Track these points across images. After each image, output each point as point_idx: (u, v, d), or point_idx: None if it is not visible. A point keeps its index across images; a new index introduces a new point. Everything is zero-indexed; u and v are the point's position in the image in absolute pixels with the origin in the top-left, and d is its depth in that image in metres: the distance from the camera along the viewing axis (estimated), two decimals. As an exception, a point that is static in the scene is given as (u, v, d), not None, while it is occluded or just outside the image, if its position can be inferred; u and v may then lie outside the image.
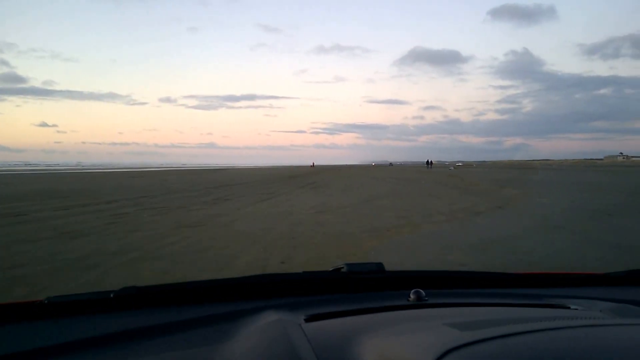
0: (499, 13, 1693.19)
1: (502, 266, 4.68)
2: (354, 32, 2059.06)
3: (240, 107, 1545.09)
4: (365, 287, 1.15)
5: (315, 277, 1.20)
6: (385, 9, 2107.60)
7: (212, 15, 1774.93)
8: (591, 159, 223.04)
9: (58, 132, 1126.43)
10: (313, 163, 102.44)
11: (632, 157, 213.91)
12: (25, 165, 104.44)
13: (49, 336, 0.88)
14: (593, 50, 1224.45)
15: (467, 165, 70.78)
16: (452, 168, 55.56)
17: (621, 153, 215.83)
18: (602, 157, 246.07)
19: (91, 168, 73.36)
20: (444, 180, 23.98)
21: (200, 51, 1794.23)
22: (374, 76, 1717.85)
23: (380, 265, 1.15)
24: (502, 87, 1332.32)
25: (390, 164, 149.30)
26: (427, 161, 65.52)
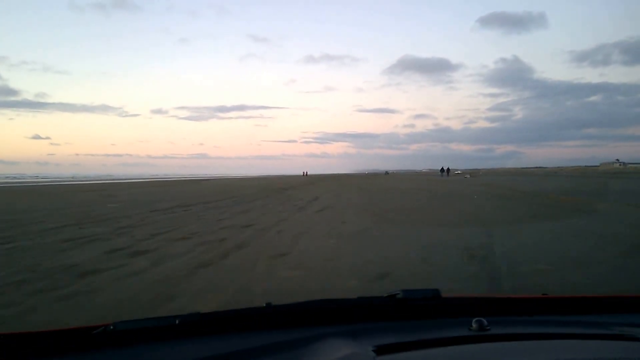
0: (488, 21, 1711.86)
1: None
2: (343, 41, 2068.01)
3: (231, 118, 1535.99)
4: (421, 313, 1.14)
5: (372, 304, 1.18)
6: (374, 18, 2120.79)
7: (202, 26, 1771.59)
8: (588, 166, 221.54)
9: (51, 144, 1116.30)
10: (306, 172, 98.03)
11: (629, 164, 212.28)
12: (6, 177, 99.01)
13: None
14: (583, 57, 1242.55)
15: (474, 174, 65.92)
16: (468, 176, 51.18)
17: (617, 160, 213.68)
18: (597, 164, 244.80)
19: (70, 180, 68.18)
20: (493, 192, 19.44)
21: (190, 62, 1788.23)
22: (363, 85, 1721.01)
23: (436, 292, 1.13)
24: (492, 95, 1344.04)
25: (387, 172, 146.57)
26: (442, 168, 59.25)
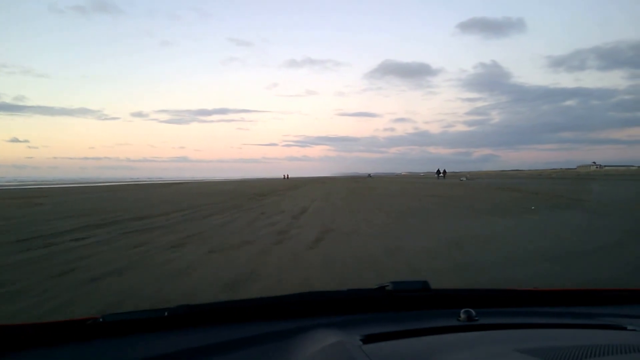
0: (468, 26, 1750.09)
1: None
2: (326, 45, 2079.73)
3: (212, 121, 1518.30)
4: (410, 305, 1.14)
5: (362, 296, 1.18)
6: (356, 22, 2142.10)
7: (184, 29, 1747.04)
8: (568, 169, 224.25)
9: (29, 147, 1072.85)
10: (287, 175, 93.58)
11: (605, 166, 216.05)
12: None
13: (105, 356, 0.89)
14: (559, 63, 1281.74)
15: (471, 176, 62.02)
16: (464, 179, 47.18)
17: (594, 162, 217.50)
18: (574, 167, 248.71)
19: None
20: (547, 200, 15.24)
21: (171, 65, 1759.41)
22: (344, 89, 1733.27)
23: (425, 284, 1.14)
24: (470, 100, 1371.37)
25: (369, 175, 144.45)
26: (439, 170, 54.93)
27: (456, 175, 72.47)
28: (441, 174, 53.65)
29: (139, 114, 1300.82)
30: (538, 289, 1.31)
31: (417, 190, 23.93)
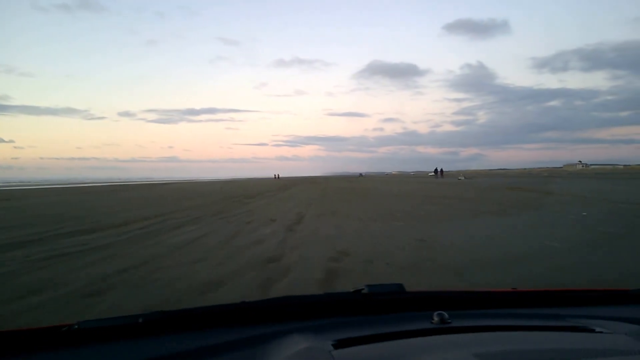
0: (454, 27, 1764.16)
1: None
2: (314, 45, 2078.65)
3: (201, 121, 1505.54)
4: (386, 307, 1.14)
5: (337, 299, 1.19)
6: (344, 22, 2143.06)
7: (171, 28, 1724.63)
8: (552, 167, 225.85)
9: (15, 147, 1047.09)
10: (277, 174, 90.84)
11: (591, 165, 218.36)
12: None
13: None
14: (543, 64, 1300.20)
15: (469, 175, 59.79)
16: (462, 178, 45.13)
17: (580, 161, 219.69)
18: (560, 166, 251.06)
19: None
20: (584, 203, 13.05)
21: (158, 64, 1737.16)
22: (333, 89, 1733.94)
23: (400, 286, 1.16)
24: (457, 100, 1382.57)
25: (361, 175, 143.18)
26: (436, 169, 52.71)
27: (450, 174, 70.67)
28: (438, 173, 51.69)
29: (126, 114, 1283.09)
30: (512, 289, 1.32)
31: (423, 191, 21.74)
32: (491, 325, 1.03)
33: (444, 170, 54.62)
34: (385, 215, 10.20)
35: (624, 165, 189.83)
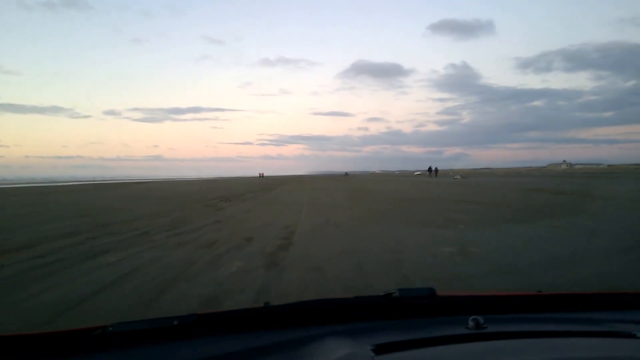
0: (438, 27, 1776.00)
1: None
2: (299, 44, 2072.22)
3: (186, 120, 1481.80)
4: (417, 312, 1.14)
5: (368, 303, 1.17)
6: (328, 22, 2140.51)
7: (156, 26, 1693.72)
8: (536, 167, 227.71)
9: (0, 146, 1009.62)
10: (262, 173, 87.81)
11: (575, 164, 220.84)
12: None
13: None
14: (527, 64, 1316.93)
15: (466, 174, 57.02)
16: (459, 177, 42.56)
17: (564, 161, 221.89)
18: (544, 165, 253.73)
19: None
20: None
21: (143, 63, 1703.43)
22: (318, 89, 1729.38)
23: (432, 290, 1.13)
24: (441, 100, 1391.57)
25: (346, 174, 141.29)
26: (430, 168, 49.37)
27: (443, 173, 68.28)
28: (433, 172, 49.08)
29: (112, 112, 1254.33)
30: (544, 293, 1.29)
31: (431, 193, 18.95)
32: (528, 331, 1.01)
33: (438, 169, 51.93)
34: (425, 237, 7.25)
35: (608, 165, 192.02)
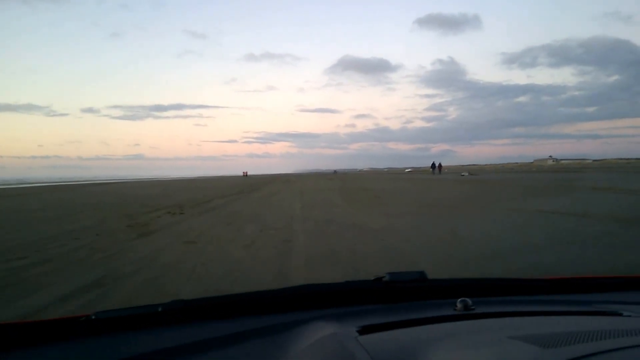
0: (425, 22, 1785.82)
1: None
2: (284, 39, 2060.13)
3: (168, 117, 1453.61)
4: (408, 295, 1.14)
5: (359, 287, 1.17)
6: (313, 16, 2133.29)
7: (135, 20, 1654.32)
8: (522, 163, 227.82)
9: None
10: (246, 172, 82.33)
11: (561, 160, 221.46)
12: None
13: (99, 354, 0.87)
14: (512, 60, 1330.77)
15: (474, 171, 51.68)
16: (467, 174, 38.07)
17: (550, 156, 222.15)
18: (531, 161, 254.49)
19: None
20: None
21: (123, 58, 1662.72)
22: (305, 85, 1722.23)
23: (422, 274, 1.12)
24: (428, 96, 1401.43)
25: (335, 172, 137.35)
26: (434, 164, 44.09)
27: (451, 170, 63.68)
28: (436, 169, 44.40)
29: (90, 110, 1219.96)
30: (534, 277, 1.32)
31: (451, 193, 14.30)
32: (517, 311, 1.02)
33: (442, 165, 47.15)
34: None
35: (593, 160, 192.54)
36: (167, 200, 14.96)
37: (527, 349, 0.71)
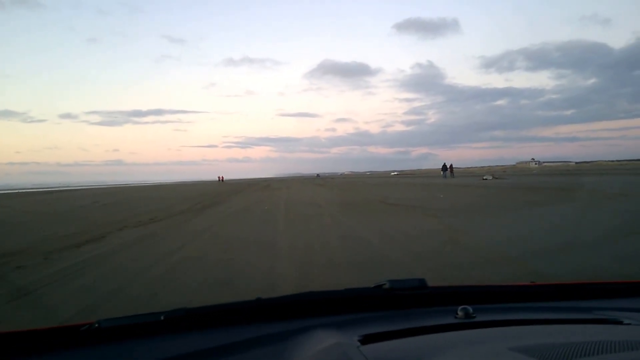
0: (403, 26, 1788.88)
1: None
2: (264, 44, 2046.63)
3: (147, 122, 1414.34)
4: (408, 303, 1.12)
5: (358, 295, 1.15)
6: (292, 20, 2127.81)
7: (113, 25, 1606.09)
8: (503, 165, 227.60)
9: None
10: (221, 177, 75.46)
11: (544, 162, 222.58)
12: None
13: None
14: (490, 64, 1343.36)
15: (498, 174, 44.62)
16: (490, 177, 32.46)
17: (533, 159, 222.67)
18: (513, 163, 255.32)
19: None
20: None
21: (101, 64, 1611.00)
22: (285, 89, 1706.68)
23: (422, 281, 1.11)
24: (408, 100, 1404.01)
25: (318, 175, 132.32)
26: (445, 166, 37.56)
27: (433, 173, 58.78)
28: (447, 171, 37.70)
29: (68, 116, 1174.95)
30: (534, 283, 1.31)
31: (533, 220, 8.83)
32: (517, 320, 1.01)
33: (453, 166, 40.59)
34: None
35: (576, 162, 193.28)
36: (77, 226, 9.08)
37: None
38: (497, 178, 31.18)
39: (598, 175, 29.55)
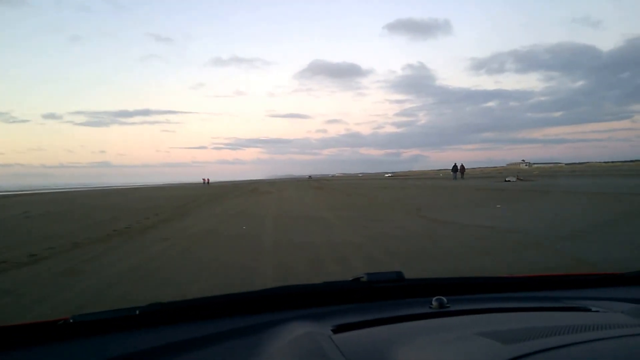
0: (395, 27, 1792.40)
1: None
2: (253, 43, 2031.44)
3: (135, 123, 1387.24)
4: (386, 295, 1.14)
5: (336, 287, 1.18)
6: (282, 19, 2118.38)
7: (97, 23, 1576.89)
8: (494, 167, 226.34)
9: None
10: (207, 179, 70.41)
11: (533, 164, 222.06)
12: None
13: (78, 357, 0.87)
14: (480, 65, 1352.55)
15: (524, 176, 39.44)
16: (514, 179, 28.05)
17: (523, 160, 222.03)
18: (503, 165, 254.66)
19: None
20: None
21: (86, 63, 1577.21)
22: (275, 90, 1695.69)
23: (400, 274, 1.13)
24: (399, 101, 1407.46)
25: (310, 177, 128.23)
26: (455, 166, 33.64)
27: (430, 174, 54.55)
28: (457, 172, 33.60)
29: (52, 116, 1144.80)
30: (508, 275, 1.42)
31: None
32: (489, 308, 1.03)
33: (464, 166, 36.15)
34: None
35: (566, 164, 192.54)
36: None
37: (490, 345, 0.73)
38: (522, 180, 26.87)
39: (625, 177, 25.57)
